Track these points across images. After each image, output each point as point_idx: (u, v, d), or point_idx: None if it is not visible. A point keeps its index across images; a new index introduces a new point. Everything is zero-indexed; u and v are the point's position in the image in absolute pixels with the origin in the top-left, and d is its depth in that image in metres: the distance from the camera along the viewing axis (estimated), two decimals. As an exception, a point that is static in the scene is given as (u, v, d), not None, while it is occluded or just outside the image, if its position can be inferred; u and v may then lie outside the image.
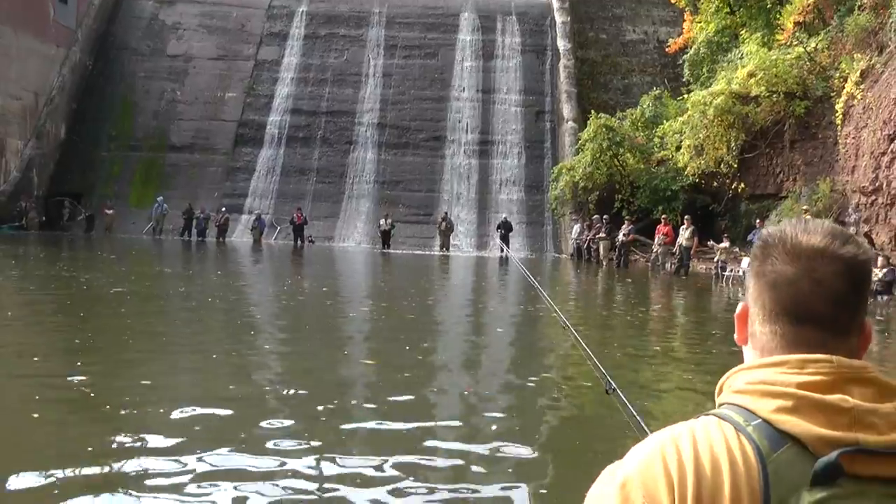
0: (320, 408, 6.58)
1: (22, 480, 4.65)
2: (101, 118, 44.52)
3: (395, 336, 11.32)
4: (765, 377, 1.35)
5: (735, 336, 1.49)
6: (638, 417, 2.38)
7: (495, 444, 5.78)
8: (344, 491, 4.73)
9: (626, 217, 32.71)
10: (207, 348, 9.66)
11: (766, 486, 1.24)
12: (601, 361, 8.87)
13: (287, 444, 5.49)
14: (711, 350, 11.38)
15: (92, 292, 15.33)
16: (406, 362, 9.19)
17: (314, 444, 5.57)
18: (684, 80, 38.37)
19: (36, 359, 8.39)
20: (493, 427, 6.29)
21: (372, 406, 6.76)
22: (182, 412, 6.20)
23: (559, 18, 45.38)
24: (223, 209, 39.98)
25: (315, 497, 4.64)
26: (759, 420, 1.29)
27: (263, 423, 6.03)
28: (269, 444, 5.49)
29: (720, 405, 1.38)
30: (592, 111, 36.57)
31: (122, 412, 6.18)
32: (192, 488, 4.60)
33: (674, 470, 1.28)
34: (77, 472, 4.80)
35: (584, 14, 46.17)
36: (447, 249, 37.86)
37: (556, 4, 46.21)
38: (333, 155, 43.35)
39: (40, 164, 42.80)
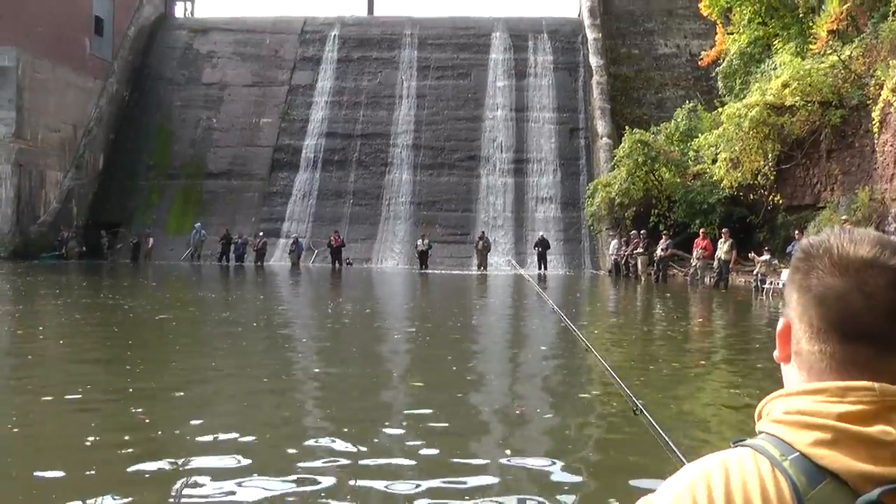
0: (371, 429, 6.63)
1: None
2: (139, 148, 45.25)
3: (442, 357, 11.35)
4: (803, 406, 1.27)
5: (776, 354, 1.40)
6: (665, 437, 2.37)
7: (528, 461, 5.81)
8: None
9: (664, 232, 32.55)
10: (255, 373, 9.72)
11: None
12: (637, 379, 8.84)
13: (335, 467, 5.54)
14: (755, 365, 11.26)
15: (138, 319, 15.48)
16: (452, 383, 9.22)
17: (363, 463, 5.64)
18: (718, 92, 38.22)
19: (88, 386, 8.51)
20: (530, 445, 6.34)
21: (418, 426, 6.80)
22: (232, 436, 6.27)
23: (591, 35, 45.43)
24: (261, 233, 40.34)
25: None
26: (797, 454, 1.22)
27: (312, 446, 6.08)
28: (319, 465, 5.55)
29: (758, 433, 1.31)
30: (627, 127, 36.51)
31: (175, 438, 6.27)
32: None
33: None
34: (130, 497, 4.90)
35: (615, 30, 46.20)
36: (485, 268, 37.87)
37: (587, 21, 46.28)
38: (369, 177, 43.62)
39: (79, 195, 43.54)
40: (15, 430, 6.59)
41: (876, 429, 1.21)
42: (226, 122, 46.15)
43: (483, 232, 39.69)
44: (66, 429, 6.70)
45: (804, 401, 1.28)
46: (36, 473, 5.36)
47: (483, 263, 38.30)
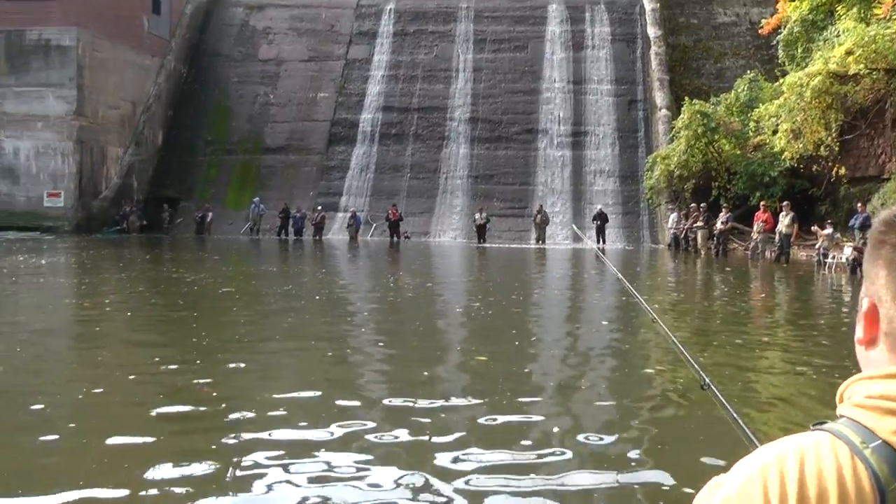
0: (435, 403, 6.70)
1: (155, 473, 4.92)
2: (197, 124, 45.74)
3: (504, 330, 11.40)
4: (886, 390, 1.19)
5: (858, 336, 1.30)
6: (733, 413, 2.37)
7: (592, 435, 5.87)
8: (450, 486, 4.86)
9: (724, 205, 32.19)
10: (319, 346, 9.86)
11: None
12: (700, 354, 8.80)
13: (397, 441, 5.62)
14: (820, 342, 11.16)
15: (202, 292, 15.77)
16: (516, 356, 9.27)
17: (425, 438, 5.71)
18: (779, 61, 37.56)
19: (156, 358, 8.71)
20: (593, 420, 6.37)
21: (483, 401, 6.87)
22: (294, 409, 6.39)
23: (648, 5, 44.89)
24: (319, 207, 40.65)
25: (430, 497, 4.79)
26: (879, 441, 1.14)
27: (375, 420, 6.16)
28: (382, 440, 5.63)
29: (839, 416, 1.23)
30: (686, 98, 36.06)
31: (239, 410, 6.36)
32: (301, 490, 4.76)
33: (774, 497, 1.13)
34: (197, 467, 5.03)
35: (672, 0, 45.55)
36: (543, 242, 37.80)
37: (644, -9, 45.73)
38: (426, 151, 43.67)
39: (139, 170, 44.29)
40: (84, 398, 6.79)
41: None
42: (282, 97, 46.46)
43: (541, 205, 39.57)
44: (133, 398, 6.88)
45: (889, 385, 1.19)
46: (107, 441, 5.53)
47: (541, 237, 38.22)
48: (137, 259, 25.95)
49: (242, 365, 8.33)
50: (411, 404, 6.71)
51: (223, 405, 6.59)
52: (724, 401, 2.43)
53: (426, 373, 8.26)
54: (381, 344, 10.46)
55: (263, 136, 45.32)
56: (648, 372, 8.70)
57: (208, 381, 7.40)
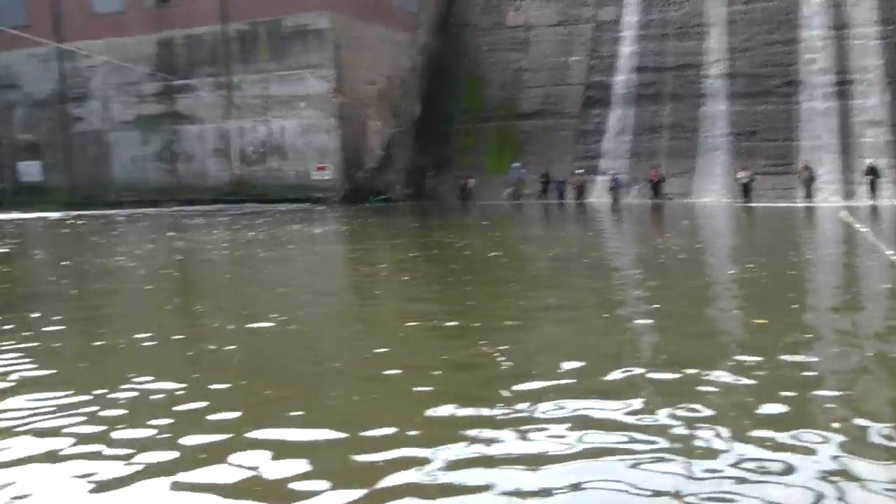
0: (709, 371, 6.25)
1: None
2: (451, 94, 47.13)
3: (781, 295, 11.04)
4: None
5: None
6: None
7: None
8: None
9: None
10: (593, 311, 9.86)
11: None
12: None
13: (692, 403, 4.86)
14: None
15: (473, 257, 16.35)
16: (795, 322, 8.78)
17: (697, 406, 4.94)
18: None
19: (434, 321, 8.94)
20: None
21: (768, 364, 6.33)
22: (573, 371, 5.84)
23: (917, -60, 42.24)
24: (580, 170, 41.12)
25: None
26: None
27: (665, 382, 5.43)
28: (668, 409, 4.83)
29: None
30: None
31: (523, 373, 6.45)
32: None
33: None
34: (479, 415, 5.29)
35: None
36: (811, 199, 36.74)
37: (913, -75, 43.02)
38: (684, 109, 43.17)
39: (400, 142, 46.27)
40: (369, 356, 7.26)
41: None
42: (534, 62, 47.05)
43: (807, 161, 38.42)
44: (417, 360, 6.98)
45: None
46: (415, 389, 5.89)
47: (809, 194, 37.16)
48: (406, 227, 27.12)
49: (520, 325, 8.61)
50: (689, 369, 6.29)
51: (503, 367, 6.63)
52: None
53: (700, 336, 7.64)
54: (655, 305, 10.01)
55: (518, 102, 46.17)
56: None
57: (486, 342, 7.50)
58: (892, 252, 3.34)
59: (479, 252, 17.53)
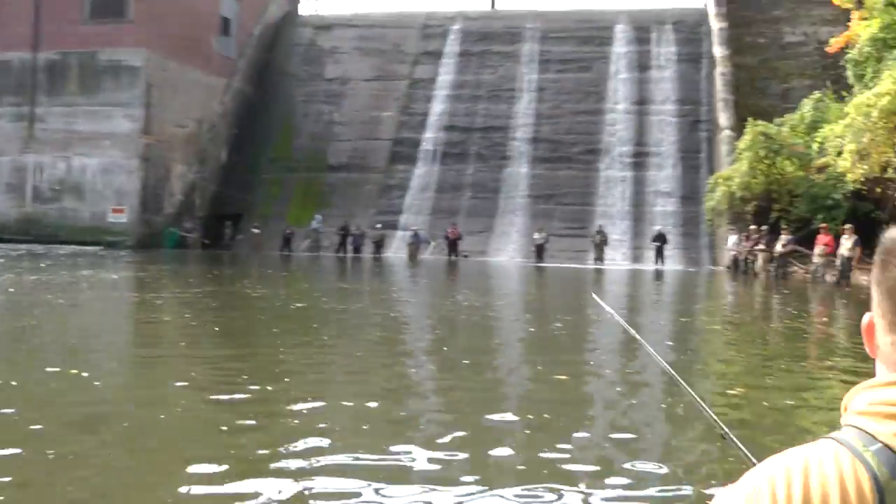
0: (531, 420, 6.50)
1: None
2: (261, 142, 46.48)
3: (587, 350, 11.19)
4: (886, 397, 1.26)
5: (867, 350, 1.40)
6: (754, 461, 2.23)
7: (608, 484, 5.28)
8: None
9: (784, 227, 31.54)
10: (375, 377, 9.76)
11: None
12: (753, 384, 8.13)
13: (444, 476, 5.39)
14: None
15: (279, 309, 15.93)
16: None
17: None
18: (847, 81, 36.71)
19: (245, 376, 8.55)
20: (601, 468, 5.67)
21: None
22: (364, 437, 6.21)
23: (715, 25, 44.35)
24: (378, 225, 40.84)
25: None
26: (880, 445, 1.21)
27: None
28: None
29: (843, 426, 1.31)
30: (749, 118, 35.50)
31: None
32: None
33: (781, 500, 1.20)
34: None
35: (740, 18, 44.85)
36: (601, 262, 37.43)
37: (712, 11, 45.22)
38: (487, 170, 43.70)
39: (202, 188, 45.06)
40: (163, 416, 6.68)
41: None
42: (346, 115, 46.96)
43: (601, 225, 39.26)
44: (206, 419, 6.66)
45: (888, 392, 1.27)
46: (184, 461, 5.36)
47: (600, 257, 37.87)
48: (200, 276, 26.15)
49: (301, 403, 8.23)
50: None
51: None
52: (742, 448, 2.31)
53: (513, 392, 8.05)
54: (466, 361, 10.19)
55: (327, 154, 45.85)
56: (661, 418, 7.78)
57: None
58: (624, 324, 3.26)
59: (284, 305, 16.84)
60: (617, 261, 38.56)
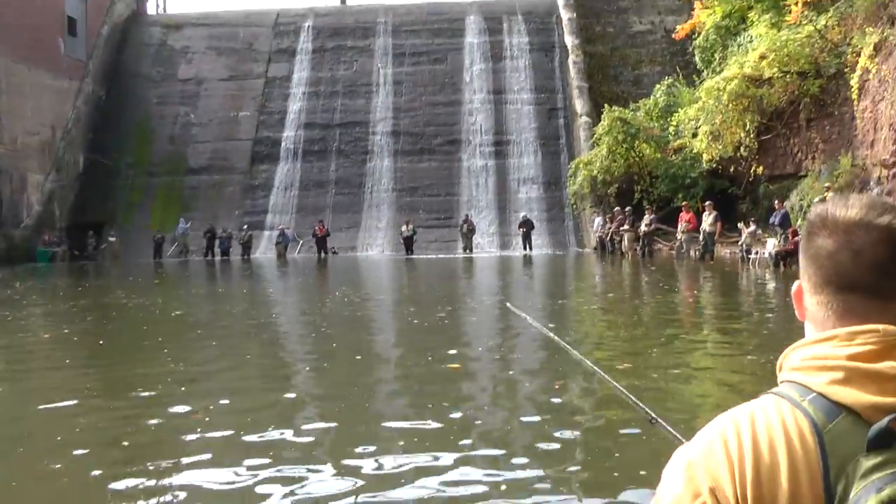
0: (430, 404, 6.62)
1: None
2: (118, 147, 44.97)
3: (424, 342, 11.29)
4: (817, 352, 1.41)
5: (797, 314, 1.56)
6: (682, 440, 2.30)
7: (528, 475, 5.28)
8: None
9: (647, 207, 32.75)
10: (262, 372, 9.75)
11: (823, 457, 1.30)
12: (640, 371, 8.56)
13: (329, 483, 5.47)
14: (761, 331, 11.37)
15: (164, 317, 15.57)
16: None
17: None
18: (695, 67, 38.37)
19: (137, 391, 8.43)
20: (526, 459, 5.67)
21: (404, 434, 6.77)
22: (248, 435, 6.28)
23: (565, 15, 45.50)
24: (245, 227, 40.21)
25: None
26: (815, 394, 1.36)
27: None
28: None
29: (780, 382, 1.45)
30: (606, 105, 36.68)
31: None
32: None
33: (734, 452, 1.35)
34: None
35: (589, 9, 46.17)
36: (470, 251, 37.94)
37: (561, 1, 46.36)
38: (350, 166, 43.63)
39: (61, 196, 43.30)
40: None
41: (883, 365, 1.35)
42: (204, 116, 45.99)
43: (467, 215, 39.76)
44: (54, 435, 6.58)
45: (818, 347, 1.42)
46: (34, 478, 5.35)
47: (469, 246, 38.37)
48: (69, 289, 25.23)
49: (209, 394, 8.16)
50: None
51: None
52: (672, 431, 2.42)
53: (411, 377, 8.15)
54: (357, 357, 10.30)
55: (186, 156, 44.81)
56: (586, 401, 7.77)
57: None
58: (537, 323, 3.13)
59: (167, 313, 16.37)
60: (485, 249, 39.19)
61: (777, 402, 1.38)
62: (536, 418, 6.67)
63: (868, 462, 1.28)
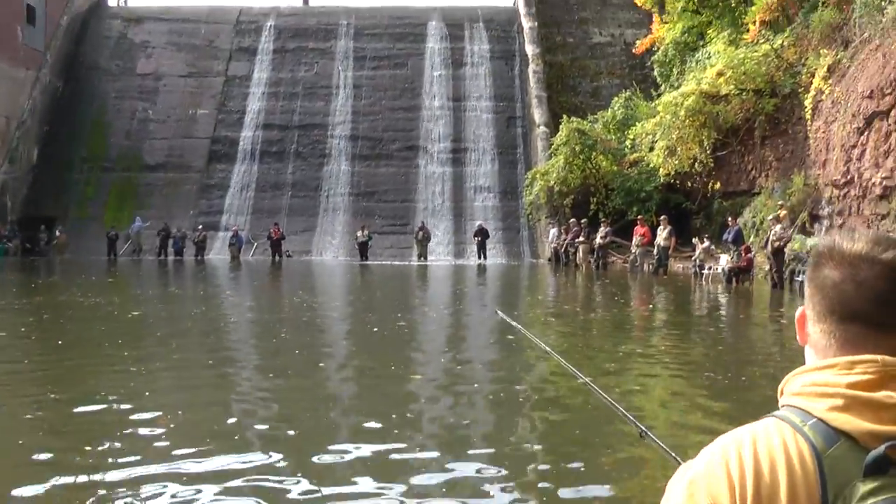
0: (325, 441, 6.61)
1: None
2: (73, 140, 44.35)
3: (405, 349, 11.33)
4: (817, 379, 1.46)
5: (798, 338, 1.61)
6: (673, 454, 2.36)
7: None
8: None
9: (603, 219, 32.92)
10: (218, 374, 9.70)
11: (822, 480, 1.35)
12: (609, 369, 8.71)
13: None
14: (717, 349, 11.48)
15: (116, 318, 15.39)
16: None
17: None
18: (653, 81, 38.68)
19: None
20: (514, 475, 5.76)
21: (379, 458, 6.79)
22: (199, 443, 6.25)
23: (526, 24, 45.64)
24: (200, 227, 39.82)
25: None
26: (815, 419, 1.40)
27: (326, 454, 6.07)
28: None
29: (781, 406, 1.50)
30: (564, 115, 36.82)
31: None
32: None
33: (735, 472, 1.39)
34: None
35: (550, 18, 46.42)
36: (425, 259, 37.89)
37: (522, 10, 46.50)
38: (307, 168, 43.42)
39: (13, 189, 42.57)
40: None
41: (881, 394, 1.40)
42: (162, 113, 45.54)
43: (423, 222, 39.73)
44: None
45: (819, 374, 1.47)
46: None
47: (423, 254, 38.32)
48: (23, 285, 24.88)
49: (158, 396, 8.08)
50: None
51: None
52: (662, 445, 2.46)
53: (374, 388, 8.14)
54: (324, 367, 10.25)
55: (142, 152, 44.32)
56: (576, 416, 7.78)
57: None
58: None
59: (122, 314, 16.20)
60: (440, 256, 39.16)
61: (778, 425, 1.43)
62: (526, 430, 6.67)
63: (865, 487, 1.32)
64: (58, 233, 39.99)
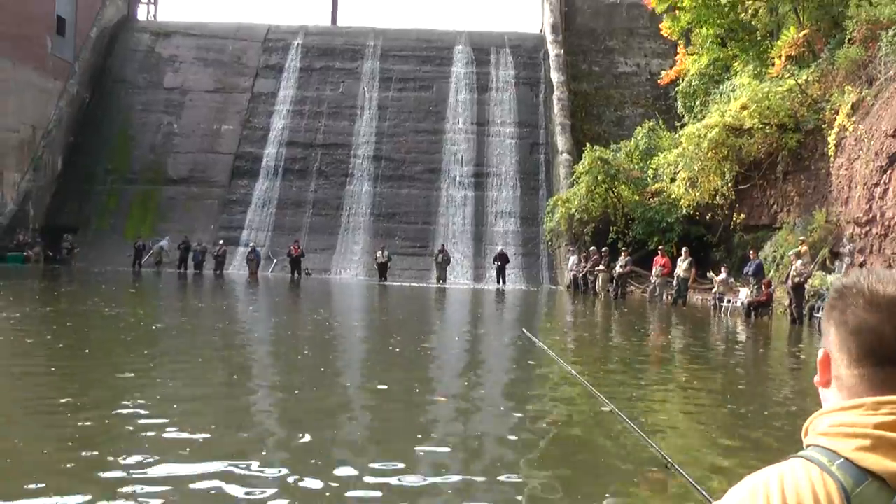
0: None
1: None
2: (98, 151, 44.84)
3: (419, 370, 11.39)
4: (844, 419, 1.47)
5: (816, 379, 1.62)
6: (700, 488, 2.44)
7: None
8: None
9: (623, 249, 32.95)
10: (245, 386, 9.79)
11: None
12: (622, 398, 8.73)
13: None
14: (738, 385, 11.50)
15: (146, 328, 15.55)
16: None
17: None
18: (677, 112, 38.79)
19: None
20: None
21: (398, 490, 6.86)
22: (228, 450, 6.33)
23: (552, 51, 45.90)
24: (220, 241, 40.05)
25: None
26: (842, 459, 1.41)
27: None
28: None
29: (807, 446, 1.50)
30: (587, 143, 36.94)
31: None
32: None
33: None
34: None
35: (576, 47, 46.70)
36: (444, 282, 37.97)
37: (549, 37, 46.76)
38: (329, 187, 43.66)
39: (36, 197, 43.00)
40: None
41: None
42: (186, 127, 45.96)
43: (443, 245, 39.85)
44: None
45: (846, 415, 1.48)
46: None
47: (442, 276, 38.41)
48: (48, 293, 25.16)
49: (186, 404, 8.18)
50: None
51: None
52: (688, 478, 2.50)
53: (396, 411, 8.21)
54: (342, 381, 10.32)
55: (166, 166, 44.73)
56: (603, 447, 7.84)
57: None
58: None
59: (148, 325, 16.41)
60: (459, 280, 39.24)
61: (805, 465, 1.43)
62: (551, 454, 6.73)
63: None
64: (66, 244, 40.22)
